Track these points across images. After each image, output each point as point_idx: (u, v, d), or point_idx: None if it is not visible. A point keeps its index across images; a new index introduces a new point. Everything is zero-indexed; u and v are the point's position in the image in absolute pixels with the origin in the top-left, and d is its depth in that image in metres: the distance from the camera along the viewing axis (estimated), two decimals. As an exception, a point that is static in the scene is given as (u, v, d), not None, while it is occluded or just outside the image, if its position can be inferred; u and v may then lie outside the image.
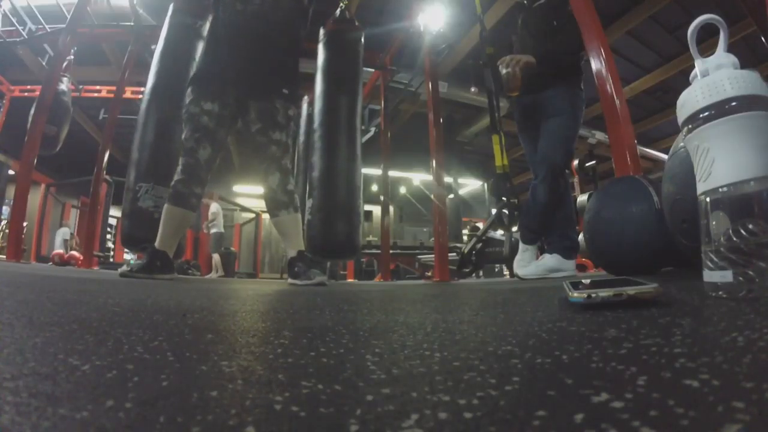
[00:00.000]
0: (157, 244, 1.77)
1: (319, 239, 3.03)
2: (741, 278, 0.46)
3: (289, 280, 1.80)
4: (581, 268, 3.46)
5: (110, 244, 9.38)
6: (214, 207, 6.55)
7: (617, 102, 1.95)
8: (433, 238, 4.07)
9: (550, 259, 2.06)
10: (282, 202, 1.85)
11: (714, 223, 0.49)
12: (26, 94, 6.21)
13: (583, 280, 0.62)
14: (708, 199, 0.50)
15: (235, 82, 1.79)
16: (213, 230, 6.48)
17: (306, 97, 5.48)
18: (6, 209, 7.65)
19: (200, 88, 1.80)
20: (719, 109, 0.49)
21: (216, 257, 6.36)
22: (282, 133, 1.86)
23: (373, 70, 5.32)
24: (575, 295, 0.52)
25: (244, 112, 1.83)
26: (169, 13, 3.25)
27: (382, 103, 5.31)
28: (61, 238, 7.42)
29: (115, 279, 1.57)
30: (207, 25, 3.06)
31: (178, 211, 1.77)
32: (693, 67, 0.54)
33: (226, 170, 10.22)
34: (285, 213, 1.85)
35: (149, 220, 2.74)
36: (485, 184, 11.31)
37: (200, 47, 3.10)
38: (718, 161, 0.49)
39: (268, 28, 1.82)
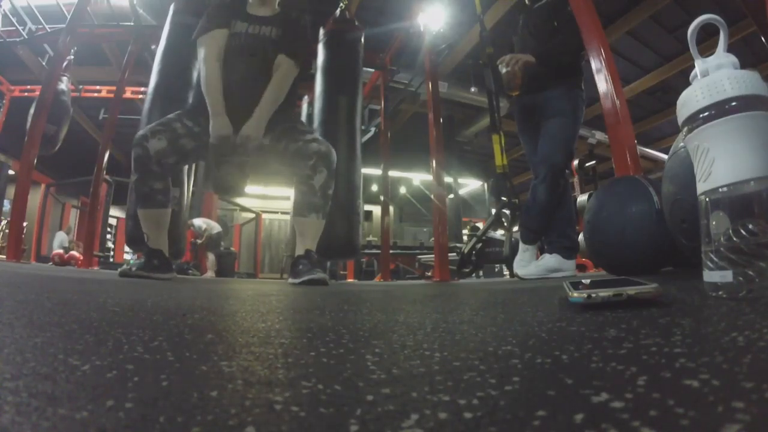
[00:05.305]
0: (149, 244, 1.77)
1: (318, 239, 3.03)
2: (741, 278, 0.46)
3: (290, 280, 1.77)
4: (581, 268, 3.46)
5: (110, 244, 9.39)
6: (198, 223, 6.43)
7: (617, 102, 1.95)
8: (433, 238, 4.07)
9: (550, 259, 2.06)
10: (316, 205, 1.75)
11: (714, 223, 0.49)
12: (26, 94, 6.21)
13: (583, 280, 0.62)
14: (708, 199, 0.50)
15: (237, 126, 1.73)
16: (214, 232, 6.47)
17: (306, 97, 5.48)
18: (7, 202, 7.64)
19: (190, 113, 1.77)
20: (719, 109, 0.49)
21: (211, 257, 6.35)
22: (312, 134, 1.82)
23: (373, 70, 5.32)
24: (575, 295, 0.52)
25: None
26: (170, 12, 3.25)
27: (382, 103, 5.31)
28: (60, 241, 7.42)
29: (115, 279, 1.57)
30: None
31: (149, 212, 1.73)
32: (693, 67, 0.54)
33: (226, 170, 10.19)
34: (314, 216, 1.75)
35: None
36: (485, 184, 11.32)
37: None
38: (718, 161, 0.49)
39: (262, 64, 1.77)
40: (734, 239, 0.46)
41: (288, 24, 1.84)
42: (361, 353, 0.34)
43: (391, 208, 6.10)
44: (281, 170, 1.87)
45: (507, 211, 2.47)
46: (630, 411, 0.18)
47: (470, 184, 11.82)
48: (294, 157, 1.76)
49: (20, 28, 4.92)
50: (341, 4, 3.52)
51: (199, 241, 6.35)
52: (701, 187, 0.51)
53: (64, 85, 5.09)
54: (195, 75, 3.10)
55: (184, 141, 1.71)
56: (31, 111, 4.31)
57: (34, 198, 7.32)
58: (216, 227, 6.60)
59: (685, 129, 0.53)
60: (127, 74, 4.75)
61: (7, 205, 7.67)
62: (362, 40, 3.48)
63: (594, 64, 2.02)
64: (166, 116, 1.77)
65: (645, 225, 1.17)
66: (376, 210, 10.11)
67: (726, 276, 0.47)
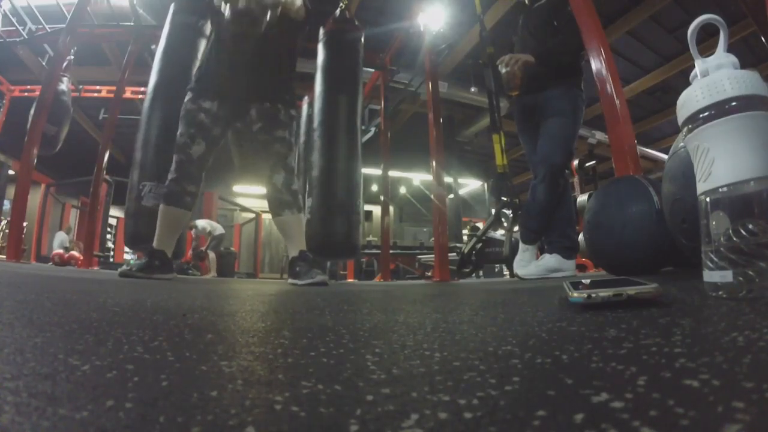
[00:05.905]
0: (155, 243, 1.77)
1: (318, 239, 3.03)
2: (741, 278, 0.46)
3: (290, 281, 1.80)
4: (581, 268, 3.46)
5: (110, 244, 9.39)
6: (202, 224, 6.42)
7: (617, 102, 1.95)
8: (433, 238, 4.07)
9: (550, 259, 2.06)
10: (286, 201, 1.83)
11: (714, 223, 0.49)
12: (26, 94, 6.21)
13: (583, 280, 0.62)
14: (708, 199, 0.50)
15: (235, 87, 1.79)
16: (217, 233, 6.49)
17: (306, 97, 5.48)
18: (7, 202, 7.64)
19: (200, 89, 1.81)
20: (719, 109, 0.49)
21: (212, 255, 6.36)
22: (285, 131, 1.85)
23: (373, 70, 5.32)
24: (575, 295, 0.52)
25: (244, 113, 1.82)
26: (170, 12, 3.25)
27: (382, 103, 5.31)
28: (60, 241, 7.42)
29: (115, 279, 1.57)
30: (208, 24, 3.07)
31: (173, 211, 1.77)
32: (693, 67, 0.54)
33: (226, 170, 10.22)
34: (288, 213, 1.84)
35: (153, 219, 2.76)
36: (485, 184, 11.31)
37: (202, 46, 3.11)
38: (718, 161, 0.49)
39: (265, 43, 1.81)
40: (734, 239, 0.46)
41: None
42: (361, 353, 0.34)
43: (391, 208, 6.10)
44: (247, 155, 1.91)
45: (507, 211, 2.47)
46: (630, 411, 0.18)
47: (470, 184, 11.81)
48: (259, 148, 1.83)
49: (20, 28, 4.92)
50: (341, 4, 3.52)
51: (203, 249, 6.37)
52: (701, 187, 0.51)
53: (64, 85, 5.08)
54: (197, 65, 3.10)
55: (213, 132, 1.78)
56: (32, 111, 4.31)
57: (34, 198, 7.31)
58: (219, 228, 6.62)
59: (685, 129, 0.53)
60: (127, 74, 4.75)
61: (7, 205, 7.67)
62: (362, 40, 3.48)
63: (594, 64, 2.02)
64: (185, 108, 1.80)
65: (645, 225, 1.17)
66: (376, 210, 10.10)
67: (726, 276, 0.47)
